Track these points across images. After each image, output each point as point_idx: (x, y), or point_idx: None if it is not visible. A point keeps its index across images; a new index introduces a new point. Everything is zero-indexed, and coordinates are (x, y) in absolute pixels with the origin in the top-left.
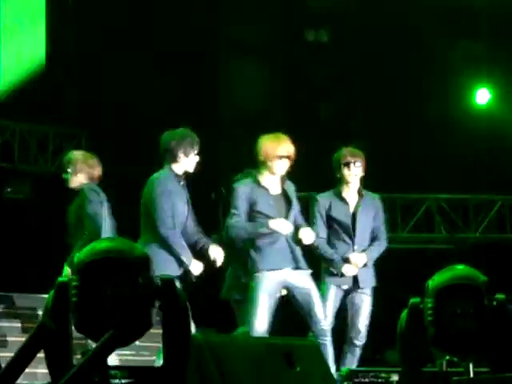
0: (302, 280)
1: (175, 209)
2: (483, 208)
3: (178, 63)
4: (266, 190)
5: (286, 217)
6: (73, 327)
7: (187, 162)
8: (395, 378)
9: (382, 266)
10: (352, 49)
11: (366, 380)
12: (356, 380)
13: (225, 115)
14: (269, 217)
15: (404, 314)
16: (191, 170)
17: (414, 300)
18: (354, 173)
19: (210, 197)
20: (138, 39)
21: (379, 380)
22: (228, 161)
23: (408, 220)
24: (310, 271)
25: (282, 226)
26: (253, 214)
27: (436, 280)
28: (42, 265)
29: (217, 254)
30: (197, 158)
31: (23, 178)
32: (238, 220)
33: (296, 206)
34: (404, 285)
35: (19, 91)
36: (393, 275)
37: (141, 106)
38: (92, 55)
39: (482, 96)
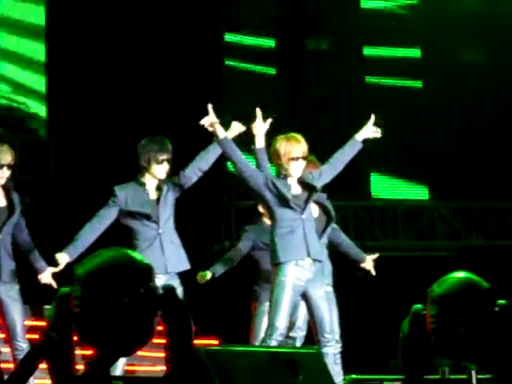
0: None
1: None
2: (486, 215)
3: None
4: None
5: None
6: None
7: (153, 169)
8: None
9: (385, 273)
10: None
11: None
12: None
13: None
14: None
15: (406, 321)
16: (160, 176)
17: (416, 307)
18: None
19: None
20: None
21: None
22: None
23: (410, 227)
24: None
25: None
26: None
27: (438, 287)
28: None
29: None
30: (165, 165)
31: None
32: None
33: None
34: (407, 292)
35: None
36: (396, 283)
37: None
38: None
39: None
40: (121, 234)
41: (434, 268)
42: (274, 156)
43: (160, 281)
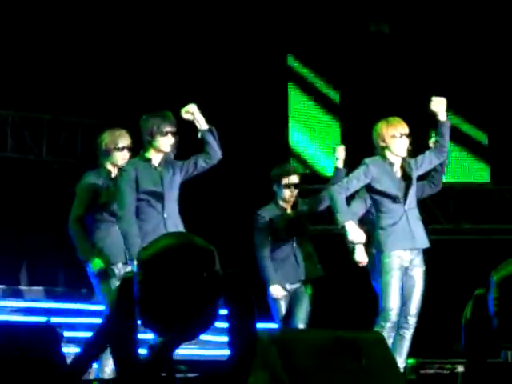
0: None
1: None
2: None
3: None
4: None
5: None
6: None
7: (157, 142)
8: (461, 369)
9: (447, 257)
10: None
11: (432, 371)
12: (421, 371)
13: None
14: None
15: (469, 304)
16: (165, 149)
17: (479, 291)
18: None
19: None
20: None
21: (444, 371)
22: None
23: (472, 211)
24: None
25: (354, 236)
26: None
27: (500, 270)
28: None
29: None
30: (169, 138)
31: None
32: (340, 191)
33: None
34: (470, 276)
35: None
36: (459, 267)
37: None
38: None
39: None
40: None
41: (497, 252)
42: (378, 140)
43: None
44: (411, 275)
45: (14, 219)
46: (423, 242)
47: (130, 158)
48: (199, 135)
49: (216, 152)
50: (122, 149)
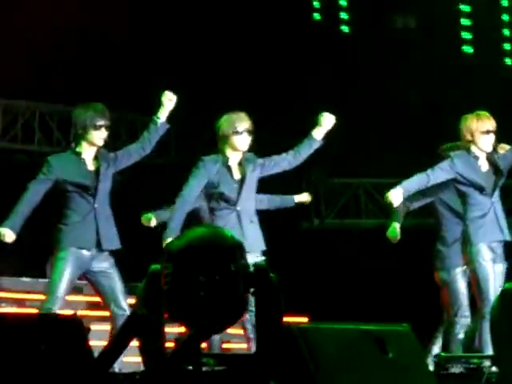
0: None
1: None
2: None
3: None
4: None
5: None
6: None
7: (90, 135)
8: (487, 363)
9: None
10: None
11: (459, 366)
12: (448, 365)
13: None
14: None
15: (496, 299)
16: (98, 143)
17: (506, 286)
18: None
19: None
20: None
21: (471, 366)
22: None
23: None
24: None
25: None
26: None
27: None
28: None
29: None
30: (103, 132)
31: None
32: (422, 178)
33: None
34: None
35: None
36: None
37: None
38: None
39: None
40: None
41: None
42: (465, 133)
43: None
44: (494, 270)
45: (40, 212)
46: (509, 234)
47: (252, 141)
48: (156, 122)
49: (152, 145)
50: (241, 133)
